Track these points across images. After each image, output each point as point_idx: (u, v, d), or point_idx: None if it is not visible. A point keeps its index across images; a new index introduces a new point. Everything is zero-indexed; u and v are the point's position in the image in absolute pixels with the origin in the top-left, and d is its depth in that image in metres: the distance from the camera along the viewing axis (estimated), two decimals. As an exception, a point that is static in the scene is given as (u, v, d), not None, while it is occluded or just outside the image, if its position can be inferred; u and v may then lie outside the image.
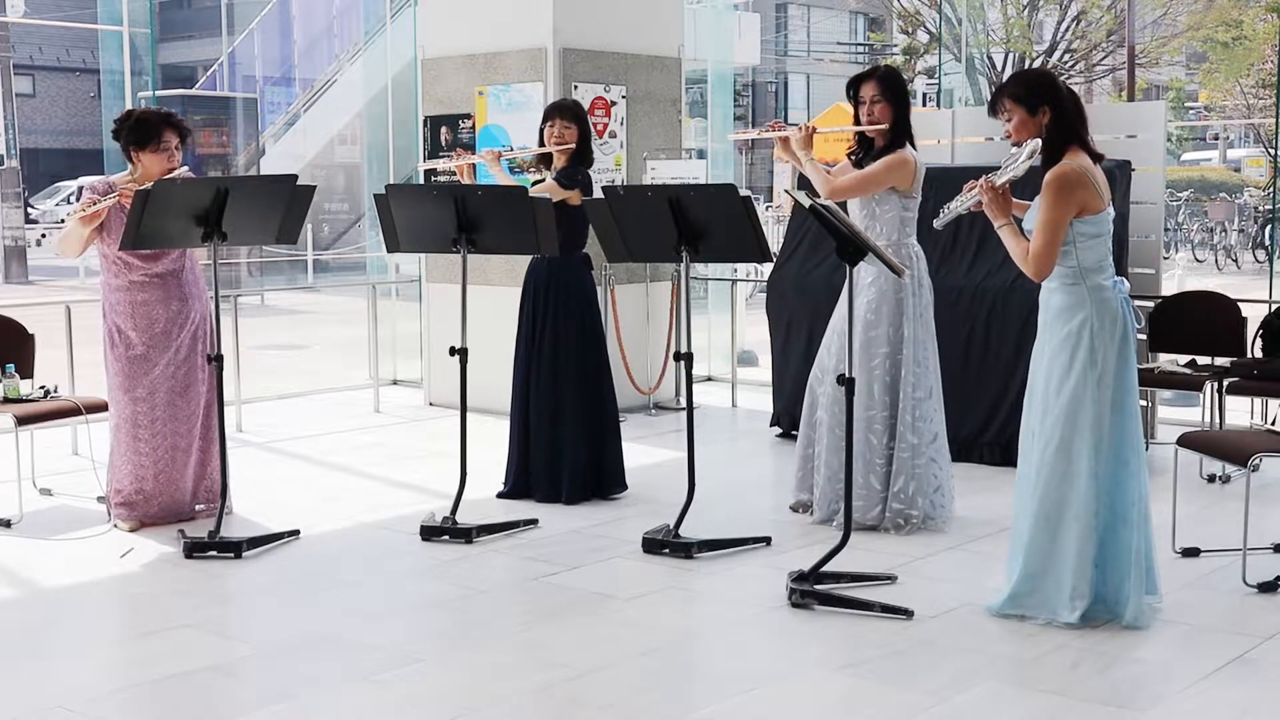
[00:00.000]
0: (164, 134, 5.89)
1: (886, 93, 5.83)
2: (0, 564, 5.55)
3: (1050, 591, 4.69)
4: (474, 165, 6.69)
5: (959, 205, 4.75)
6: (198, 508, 6.11)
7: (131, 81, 11.57)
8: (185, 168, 6.03)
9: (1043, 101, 4.60)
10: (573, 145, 6.42)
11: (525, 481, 6.53)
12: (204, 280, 6.15)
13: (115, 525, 6.01)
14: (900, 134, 5.87)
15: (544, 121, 6.51)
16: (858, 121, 5.92)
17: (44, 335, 6.98)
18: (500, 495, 6.53)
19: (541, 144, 6.52)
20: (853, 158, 6.03)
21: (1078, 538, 4.63)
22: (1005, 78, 4.96)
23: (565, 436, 6.44)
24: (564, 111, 6.47)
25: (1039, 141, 4.58)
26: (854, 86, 5.92)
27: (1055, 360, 4.66)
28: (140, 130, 5.89)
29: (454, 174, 6.65)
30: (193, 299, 6.05)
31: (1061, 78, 4.89)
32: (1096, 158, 4.65)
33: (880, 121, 5.83)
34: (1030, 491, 4.74)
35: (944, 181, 7.56)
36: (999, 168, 4.68)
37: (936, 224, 4.88)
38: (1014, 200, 4.77)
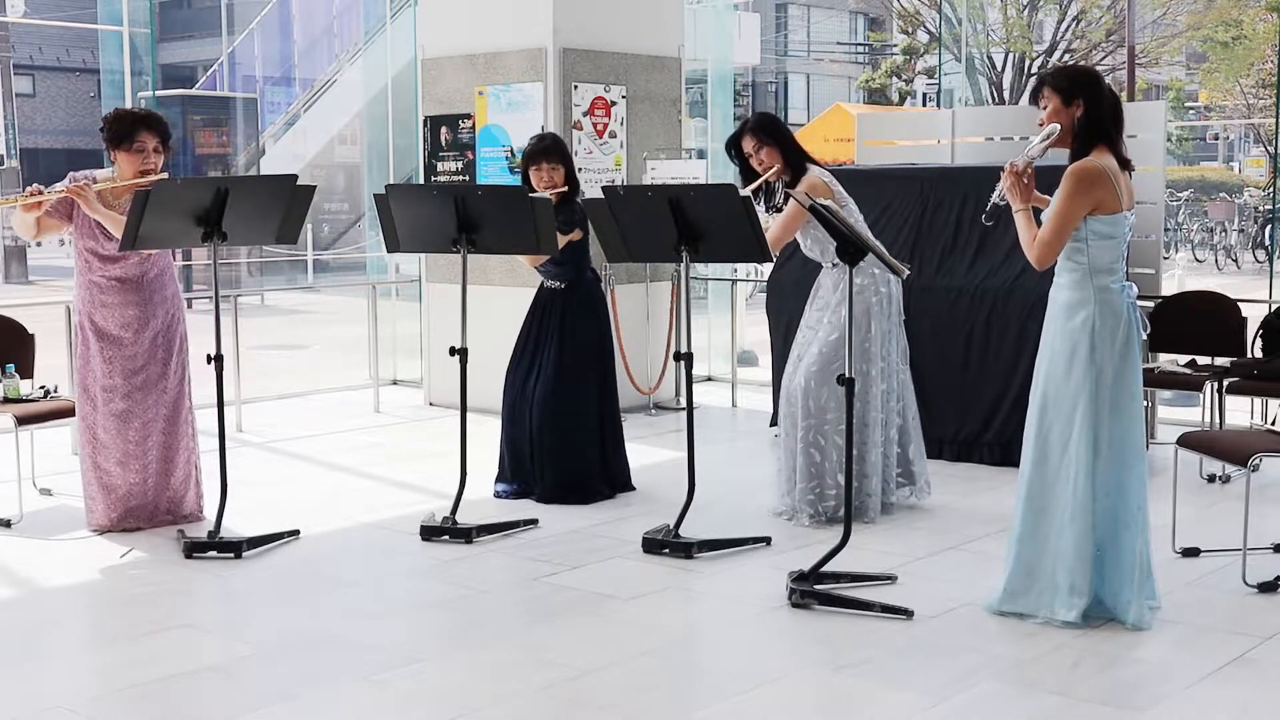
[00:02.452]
0: (138, 135, 5.81)
1: (763, 138, 6.00)
2: (0, 564, 5.55)
3: (1046, 588, 4.69)
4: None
5: (996, 194, 4.74)
6: (185, 514, 6.06)
7: (131, 81, 11.56)
8: (165, 174, 5.87)
9: (1079, 95, 4.61)
10: (564, 188, 6.33)
11: (525, 480, 6.56)
12: (175, 286, 6.09)
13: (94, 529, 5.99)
14: (798, 164, 6.01)
15: (528, 165, 6.38)
16: (754, 175, 6.04)
17: (44, 335, 6.97)
18: (497, 495, 6.55)
19: (526, 183, 6.38)
20: (768, 208, 6.12)
21: (1074, 535, 4.63)
22: (1047, 70, 4.96)
23: (577, 441, 6.46)
24: (549, 154, 6.35)
25: (1057, 126, 4.61)
26: (733, 148, 6.09)
27: (1056, 356, 4.68)
28: (115, 128, 5.84)
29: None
30: (156, 305, 5.97)
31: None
32: (1124, 163, 4.65)
33: (771, 164, 5.99)
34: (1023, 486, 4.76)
35: (942, 182, 7.59)
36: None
37: (985, 219, 4.85)
38: (1036, 193, 4.78)
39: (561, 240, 6.17)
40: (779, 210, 6.04)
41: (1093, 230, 4.58)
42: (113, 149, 5.87)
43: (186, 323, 6.15)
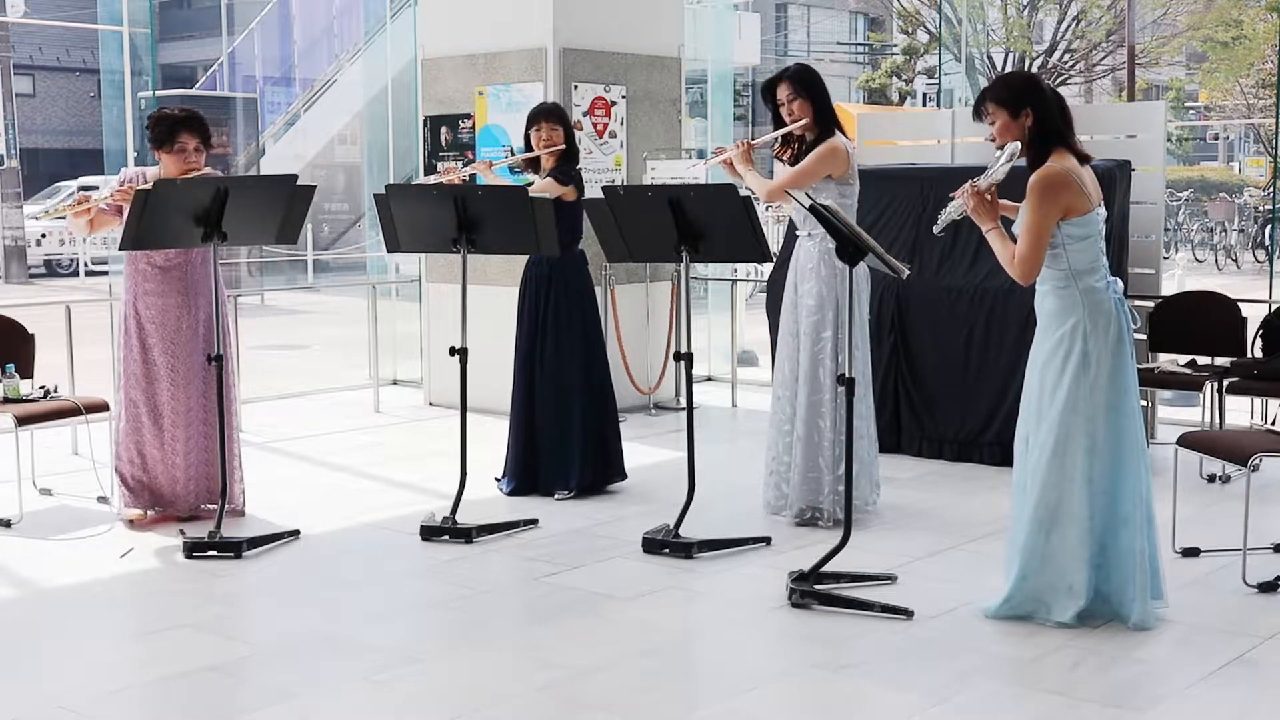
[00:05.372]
0: (179, 136, 5.95)
1: (799, 89, 5.93)
2: (0, 564, 5.55)
3: (1044, 590, 4.69)
4: (471, 176, 6.74)
5: (953, 210, 4.73)
6: (206, 507, 6.08)
7: (131, 81, 11.55)
8: (208, 170, 6.07)
9: (1025, 104, 4.58)
10: (561, 146, 6.54)
11: (530, 476, 6.60)
12: (209, 280, 6.14)
13: (118, 514, 6.01)
14: (826, 124, 5.94)
15: (529, 127, 6.62)
16: (780, 125, 5.99)
17: (44, 335, 6.97)
18: (508, 493, 6.57)
19: (529, 148, 6.63)
20: (785, 160, 6.10)
21: (1072, 540, 4.62)
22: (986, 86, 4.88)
23: (571, 428, 6.53)
24: (549, 115, 6.61)
25: (1018, 144, 4.59)
26: (768, 92, 6.01)
27: (1049, 365, 4.65)
28: (156, 131, 5.98)
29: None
30: (197, 295, 6.03)
31: (1058, 78, 4.83)
32: (1083, 158, 4.64)
33: (801, 117, 5.92)
34: (1025, 498, 4.73)
35: (942, 182, 7.55)
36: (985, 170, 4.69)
37: (936, 229, 4.87)
38: (1003, 202, 4.76)
39: (557, 191, 6.31)
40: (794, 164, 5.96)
41: (1067, 234, 4.56)
42: (155, 150, 6.01)
43: (232, 316, 6.22)
